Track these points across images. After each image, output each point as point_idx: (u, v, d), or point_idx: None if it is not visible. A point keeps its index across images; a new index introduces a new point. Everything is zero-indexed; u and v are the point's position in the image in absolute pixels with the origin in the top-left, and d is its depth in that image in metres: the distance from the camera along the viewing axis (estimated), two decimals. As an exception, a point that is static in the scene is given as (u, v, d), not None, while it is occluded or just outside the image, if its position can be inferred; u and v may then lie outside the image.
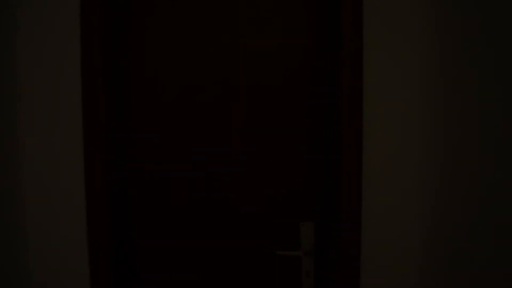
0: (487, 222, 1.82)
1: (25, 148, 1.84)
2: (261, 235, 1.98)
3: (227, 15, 1.94)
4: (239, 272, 1.99)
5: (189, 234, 1.99)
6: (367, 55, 1.80)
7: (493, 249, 1.82)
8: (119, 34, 1.95)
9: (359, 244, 1.83)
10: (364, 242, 1.84)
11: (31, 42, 1.82)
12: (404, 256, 1.84)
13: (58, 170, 1.85)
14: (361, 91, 1.80)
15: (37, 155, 1.85)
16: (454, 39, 1.80)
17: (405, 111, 1.82)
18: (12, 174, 1.84)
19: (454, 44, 1.80)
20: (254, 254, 1.99)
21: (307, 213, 1.97)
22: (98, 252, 1.84)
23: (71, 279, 1.87)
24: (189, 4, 1.94)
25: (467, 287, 1.83)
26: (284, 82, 1.95)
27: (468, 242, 1.83)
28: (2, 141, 1.83)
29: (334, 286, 1.88)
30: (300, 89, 1.94)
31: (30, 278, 1.87)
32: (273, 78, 1.95)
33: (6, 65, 1.82)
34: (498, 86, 1.80)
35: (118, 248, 1.95)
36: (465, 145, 1.82)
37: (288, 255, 1.96)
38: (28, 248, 1.86)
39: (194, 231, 1.99)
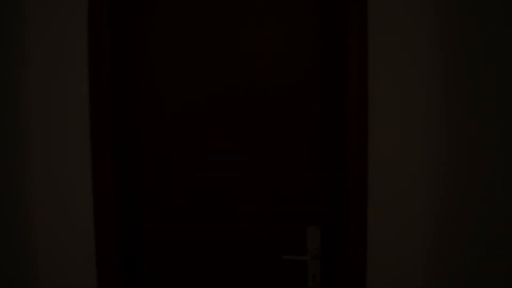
0: (490, 222, 1.81)
1: (34, 145, 1.88)
2: (267, 239, 1.98)
3: (231, 18, 1.96)
4: (246, 276, 1.99)
5: (196, 238, 2.00)
6: (371, 58, 1.82)
7: (496, 250, 1.82)
8: (124, 38, 1.98)
9: (365, 248, 1.83)
10: (370, 245, 1.84)
11: (39, 44, 1.86)
12: (409, 258, 1.84)
13: (64, 162, 1.88)
14: (366, 95, 1.81)
15: (44, 149, 1.88)
16: (457, 44, 1.80)
17: (409, 116, 1.83)
18: (18, 168, 1.87)
19: (455, 47, 1.80)
20: (260, 258, 1.99)
21: (313, 218, 1.97)
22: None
23: (78, 271, 1.89)
24: (196, 5, 1.96)
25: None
26: (289, 88, 1.95)
27: (472, 243, 1.82)
28: (13, 142, 1.87)
29: (341, 290, 1.89)
30: (306, 95, 1.95)
31: (35, 267, 1.90)
32: (277, 83, 1.96)
33: (14, 70, 1.87)
34: (499, 89, 1.80)
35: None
36: (467, 147, 1.81)
37: (294, 259, 1.96)
38: (37, 239, 1.89)
39: (200, 235, 2.00)
